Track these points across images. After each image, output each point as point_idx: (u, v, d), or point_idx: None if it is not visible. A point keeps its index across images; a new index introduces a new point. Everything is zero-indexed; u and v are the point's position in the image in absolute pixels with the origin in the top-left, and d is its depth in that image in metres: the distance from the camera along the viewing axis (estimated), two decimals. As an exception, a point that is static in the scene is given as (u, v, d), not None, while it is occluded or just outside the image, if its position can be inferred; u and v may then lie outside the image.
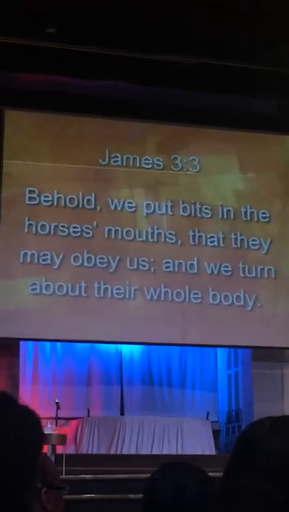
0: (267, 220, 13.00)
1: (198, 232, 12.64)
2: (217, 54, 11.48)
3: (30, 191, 12.19)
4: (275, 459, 1.43)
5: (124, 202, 12.52)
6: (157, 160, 12.82)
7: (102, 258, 12.21)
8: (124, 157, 12.70)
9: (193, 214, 12.71)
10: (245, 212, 12.94)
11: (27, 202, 12.16)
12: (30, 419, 1.70)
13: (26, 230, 12.04)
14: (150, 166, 12.79)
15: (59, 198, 12.28)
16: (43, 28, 10.84)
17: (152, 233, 12.50)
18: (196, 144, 12.99)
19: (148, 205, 12.61)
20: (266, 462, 1.43)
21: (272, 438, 1.46)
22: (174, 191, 12.80)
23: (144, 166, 12.76)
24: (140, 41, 11.17)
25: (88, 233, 12.28)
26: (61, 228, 12.18)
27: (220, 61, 11.59)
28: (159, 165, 12.83)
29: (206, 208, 12.78)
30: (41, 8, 10.51)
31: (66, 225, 12.20)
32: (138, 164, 12.74)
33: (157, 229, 12.54)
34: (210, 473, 2.55)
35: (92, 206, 12.39)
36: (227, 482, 1.49)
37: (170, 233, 12.54)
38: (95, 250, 12.20)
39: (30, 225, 12.07)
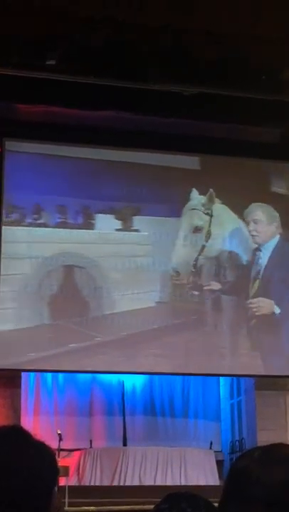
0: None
1: (201, 262, 12.63)
2: (217, 83, 11.52)
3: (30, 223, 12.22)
4: (266, 488, 1.45)
5: (128, 232, 12.51)
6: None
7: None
8: (125, 188, 12.69)
9: (194, 245, 12.69)
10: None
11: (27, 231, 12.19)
12: (46, 453, 1.76)
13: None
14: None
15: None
16: (43, 59, 10.90)
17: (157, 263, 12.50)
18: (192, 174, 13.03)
19: (153, 234, 12.61)
20: (258, 491, 1.45)
21: (263, 467, 1.48)
22: (176, 222, 12.76)
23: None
24: (140, 71, 11.22)
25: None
26: (62, 259, 12.20)
27: (220, 90, 11.63)
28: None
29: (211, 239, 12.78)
30: (41, 40, 10.58)
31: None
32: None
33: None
34: (214, 504, 2.53)
35: (96, 237, 12.40)
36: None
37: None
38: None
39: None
